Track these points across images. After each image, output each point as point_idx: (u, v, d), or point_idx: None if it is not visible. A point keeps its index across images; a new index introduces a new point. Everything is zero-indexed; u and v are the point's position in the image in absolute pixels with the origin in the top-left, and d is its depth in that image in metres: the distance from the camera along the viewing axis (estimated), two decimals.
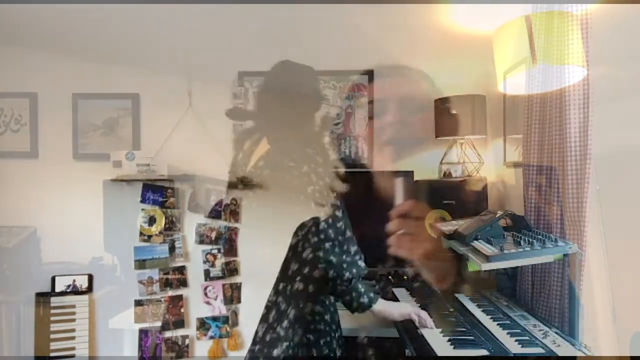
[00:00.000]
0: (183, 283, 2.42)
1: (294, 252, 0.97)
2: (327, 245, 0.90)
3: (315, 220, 0.98)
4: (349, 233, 0.94)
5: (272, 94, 1.02)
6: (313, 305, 0.90)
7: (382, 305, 0.93)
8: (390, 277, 1.61)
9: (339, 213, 0.99)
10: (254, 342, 0.92)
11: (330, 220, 0.97)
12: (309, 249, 0.93)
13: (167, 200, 2.40)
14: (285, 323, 0.88)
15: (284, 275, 0.92)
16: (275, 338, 0.88)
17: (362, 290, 0.84)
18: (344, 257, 0.89)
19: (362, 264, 0.85)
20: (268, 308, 0.93)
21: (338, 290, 0.83)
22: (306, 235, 0.97)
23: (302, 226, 0.99)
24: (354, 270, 0.85)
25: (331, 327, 0.91)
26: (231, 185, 2.42)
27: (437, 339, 0.95)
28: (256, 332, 0.93)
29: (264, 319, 0.93)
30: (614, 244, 1.78)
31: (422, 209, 0.77)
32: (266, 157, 1.15)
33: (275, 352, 0.87)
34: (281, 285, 0.94)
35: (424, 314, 0.96)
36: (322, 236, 0.94)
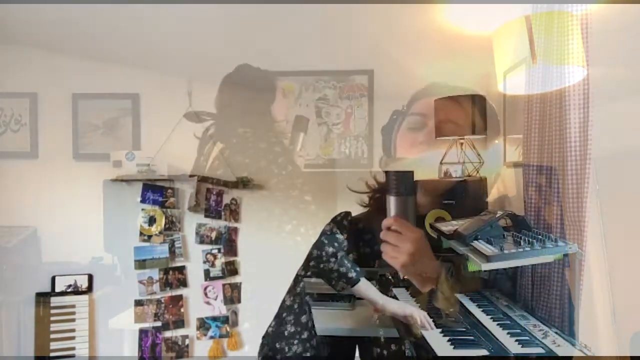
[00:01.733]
0: (183, 283, 2.42)
1: (326, 235, 1.05)
2: (342, 237, 0.96)
3: (347, 213, 1.06)
4: (366, 237, 1.00)
5: (228, 95, 1.11)
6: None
7: (375, 293, 0.97)
8: (390, 277, 1.61)
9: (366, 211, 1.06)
10: (280, 313, 0.98)
11: (355, 216, 1.04)
12: (340, 236, 1.01)
13: (167, 200, 2.40)
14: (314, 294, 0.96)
15: (318, 254, 1.00)
16: (303, 305, 0.95)
17: (349, 264, 0.90)
18: (322, 237, 0.95)
19: (342, 237, 0.92)
20: (296, 282, 0.99)
21: (324, 268, 0.88)
22: (337, 223, 1.04)
23: (335, 216, 1.06)
24: (336, 244, 0.91)
25: (296, 328, 0.94)
26: (228, 185, 2.42)
27: (437, 339, 0.95)
28: (283, 302, 0.99)
29: (290, 290, 1.01)
30: (614, 244, 1.79)
31: (401, 225, 0.84)
32: (220, 156, 1.21)
33: (303, 319, 0.94)
34: (311, 263, 1.02)
35: (424, 316, 0.96)
36: (343, 229, 1.01)
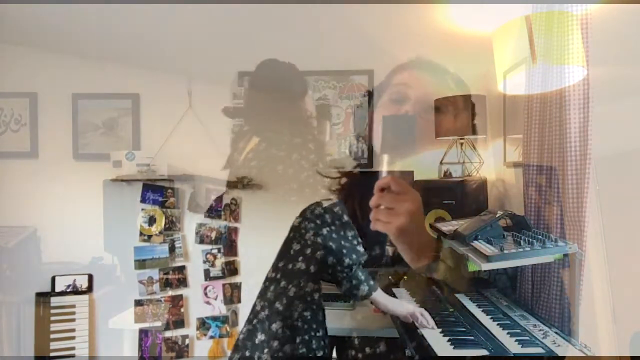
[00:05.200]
0: (183, 283, 2.42)
1: (296, 232, 0.97)
2: (325, 230, 0.90)
3: (318, 204, 0.99)
4: (345, 218, 0.93)
5: (259, 91, 1.05)
6: (314, 285, 0.89)
7: (385, 298, 0.93)
8: (390, 277, 1.61)
9: (336, 199, 1.00)
10: (250, 319, 0.91)
11: (328, 205, 0.98)
12: (311, 231, 0.94)
13: (167, 200, 2.40)
14: (284, 299, 0.87)
15: (285, 254, 0.91)
16: (274, 313, 0.87)
17: (363, 278, 0.84)
18: (342, 242, 0.89)
19: (361, 249, 0.85)
20: (266, 285, 0.92)
21: (338, 277, 0.83)
22: (308, 217, 0.97)
23: (305, 209, 1.00)
24: (354, 256, 0.85)
25: (311, 325, 0.90)
26: (231, 185, 2.42)
27: (437, 339, 0.95)
28: (254, 307, 0.92)
29: (261, 295, 0.92)
30: (614, 244, 1.79)
31: (400, 184, 0.77)
32: (256, 149, 1.17)
33: (274, 327, 0.87)
34: (281, 263, 0.94)
35: (426, 314, 0.96)
36: (318, 221, 0.94)
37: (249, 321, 0.93)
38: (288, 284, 0.89)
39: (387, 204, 0.76)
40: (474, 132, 2.09)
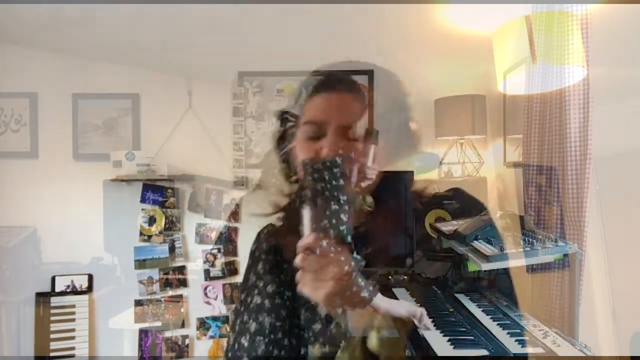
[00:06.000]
0: (183, 283, 2.42)
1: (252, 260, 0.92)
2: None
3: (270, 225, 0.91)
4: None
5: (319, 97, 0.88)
6: (274, 321, 0.83)
7: (386, 302, 0.90)
8: (390, 277, 1.61)
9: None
10: (226, 352, 0.88)
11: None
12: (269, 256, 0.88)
13: (167, 200, 2.40)
14: (248, 336, 0.84)
15: (244, 285, 0.86)
16: (241, 348, 0.84)
17: (362, 284, 0.80)
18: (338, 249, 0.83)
19: (357, 256, 0.81)
20: (235, 316, 0.88)
21: (336, 284, 0.80)
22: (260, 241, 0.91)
23: (259, 232, 0.93)
24: (352, 264, 0.81)
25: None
26: (228, 185, 2.42)
27: (437, 339, 0.95)
28: (227, 339, 0.89)
29: (232, 327, 0.89)
30: (614, 244, 1.79)
31: (325, 246, 0.64)
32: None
33: None
34: (242, 296, 0.90)
35: (425, 315, 0.96)
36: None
37: (232, 327, 0.89)
38: (249, 318, 0.85)
39: (311, 268, 0.66)
40: (474, 132, 2.10)
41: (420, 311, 0.97)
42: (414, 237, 1.01)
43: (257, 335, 0.83)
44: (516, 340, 0.95)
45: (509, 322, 1.04)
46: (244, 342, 0.85)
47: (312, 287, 0.67)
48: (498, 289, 1.12)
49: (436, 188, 0.98)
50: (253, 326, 0.84)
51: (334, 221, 0.74)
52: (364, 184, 0.85)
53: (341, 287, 0.68)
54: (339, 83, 0.87)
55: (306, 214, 0.66)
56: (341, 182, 0.66)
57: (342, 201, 0.74)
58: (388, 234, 0.96)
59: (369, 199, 0.92)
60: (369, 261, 1.01)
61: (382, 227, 0.94)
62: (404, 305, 0.97)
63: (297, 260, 0.68)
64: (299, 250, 0.68)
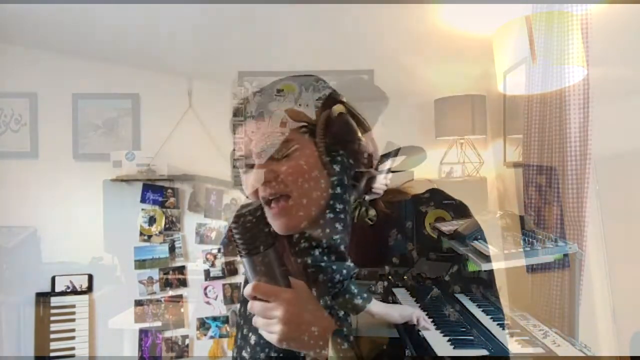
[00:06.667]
0: (183, 283, 2.42)
1: None
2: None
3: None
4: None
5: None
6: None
7: (381, 307, 0.90)
8: (390, 277, 1.61)
9: None
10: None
11: None
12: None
13: (167, 200, 2.40)
14: (249, 349, 0.84)
15: (243, 296, 0.86)
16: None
17: (355, 291, 0.81)
18: (331, 257, 0.84)
19: (350, 264, 0.81)
20: (236, 329, 0.88)
21: (330, 292, 0.80)
22: None
23: None
24: (344, 272, 0.81)
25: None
26: (228, 185, 2.42)
27: (437, 339, 0.95)
28: (232, 353, 0.89)
29: (234, 341, 0.89)
30: (614, 244, 1.79)
31: (265, 291, 0.65)
32: None
33: None
34: (242, 309, 0.90)
35: (423, 317, 0.95)
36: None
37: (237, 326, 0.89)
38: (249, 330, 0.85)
39: (260, 314, 0.68)
40: (474, 132, 2.09)
41: (417, 315, 0.97)
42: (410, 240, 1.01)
43: (257, 347, 0.84)
44: (516, 340, 0.95)
45: (509, 322, 1.03)
46: (246, 355, 0.86)
47: (268, 332, 0.68)
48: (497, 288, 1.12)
49: (414, 189, 0.98)
50: (253, 339, 0.85)
51: (327, 230, 0.74)
52: (369, 197, 0.86)
53: (294, 326, 0.67)
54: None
55: (245, 262, 0.67)
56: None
57: (338, 210, 0.75)
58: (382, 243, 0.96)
59: (372, 212, 0.92)
60: (370, 263, 1.01)
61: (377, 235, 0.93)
62: (399, 310, 0.97)
63: (249, 307, 0.69)
64: (247, 297, 0.69)
